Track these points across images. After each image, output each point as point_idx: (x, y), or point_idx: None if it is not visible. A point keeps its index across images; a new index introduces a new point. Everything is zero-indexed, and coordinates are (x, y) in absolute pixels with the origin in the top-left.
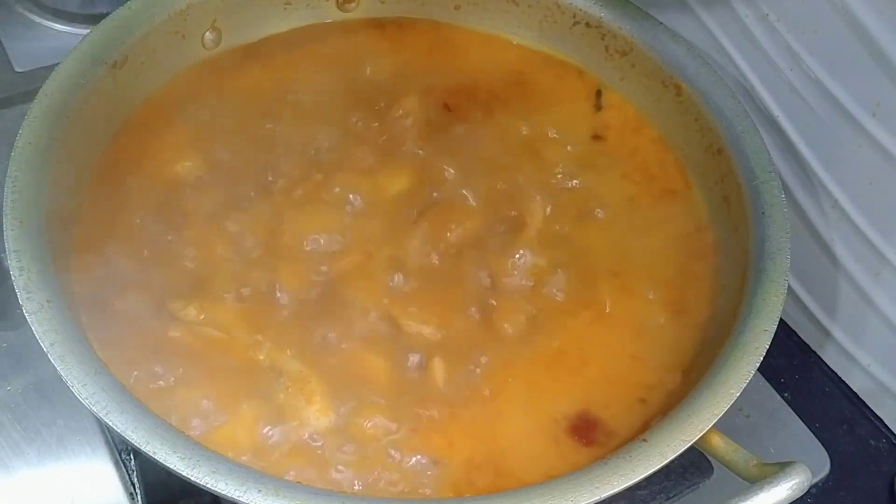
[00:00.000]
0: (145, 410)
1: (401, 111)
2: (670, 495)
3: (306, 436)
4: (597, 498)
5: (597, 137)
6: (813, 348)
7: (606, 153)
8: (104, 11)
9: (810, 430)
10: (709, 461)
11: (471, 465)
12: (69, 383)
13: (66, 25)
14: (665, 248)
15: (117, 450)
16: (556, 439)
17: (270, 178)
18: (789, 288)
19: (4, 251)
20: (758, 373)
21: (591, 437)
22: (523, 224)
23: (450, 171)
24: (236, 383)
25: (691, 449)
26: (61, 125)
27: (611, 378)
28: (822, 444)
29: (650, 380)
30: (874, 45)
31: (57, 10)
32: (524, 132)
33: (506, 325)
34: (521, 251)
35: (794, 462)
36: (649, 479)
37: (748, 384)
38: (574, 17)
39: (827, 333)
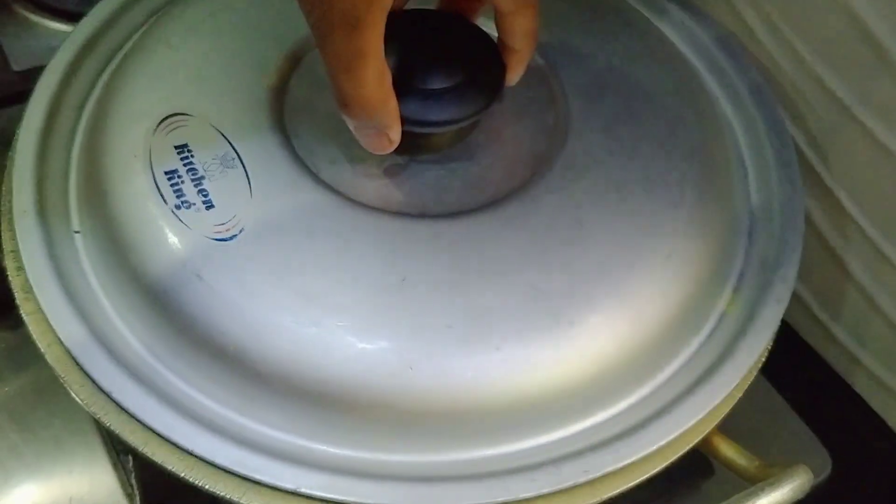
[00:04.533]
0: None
1: None
2: (671, 495)
3: None
4: (597, 499)
5: None
6: (814, 348)
7: None
8: None
9: (812, 430)
10: (709, 461)
11: None
12: (67, 384)
13: (64, 24)
14: None
15: (115, 451)
16: None
17: None
18: None
19: (2, 250)
20: (758, 373)
21: None
22: None
23: None
24: None
25: (691, 449)
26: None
27: None
28: (824, 445)
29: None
30: (877, 46)
31: (55, 9)
32: None
33: None
34: None
35: (796, 463)
36: (649, 479)
37: (748, 384)
38: None
39: (828, 333)
